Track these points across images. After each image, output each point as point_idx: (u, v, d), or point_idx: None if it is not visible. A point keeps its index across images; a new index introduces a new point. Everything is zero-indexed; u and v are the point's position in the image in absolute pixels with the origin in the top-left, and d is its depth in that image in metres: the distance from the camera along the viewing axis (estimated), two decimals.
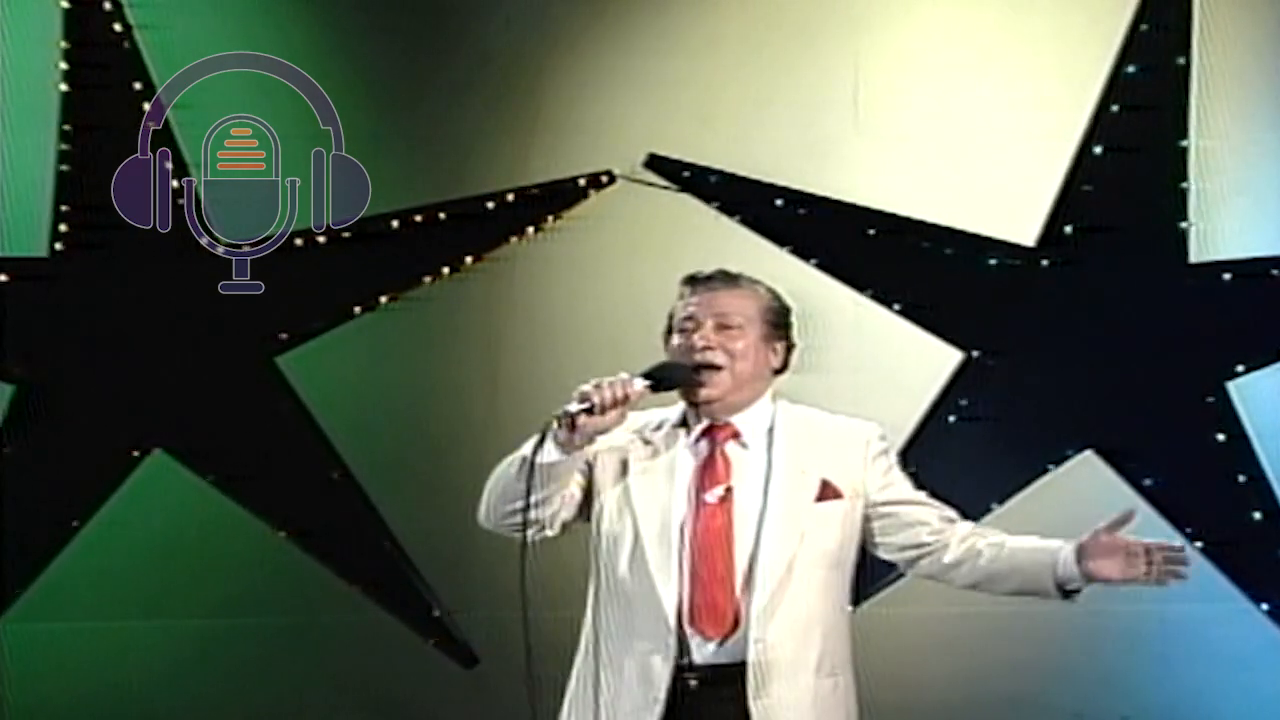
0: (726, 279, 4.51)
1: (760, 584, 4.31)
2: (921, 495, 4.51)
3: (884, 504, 4.45)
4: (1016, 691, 7.23)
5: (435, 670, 7.35)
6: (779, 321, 4.54)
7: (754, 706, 4.27)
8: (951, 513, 4.50)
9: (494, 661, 7.25)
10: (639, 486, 4.40)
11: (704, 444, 4.44)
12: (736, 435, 4.44)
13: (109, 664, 7.29)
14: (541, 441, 4.27)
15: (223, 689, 7.30)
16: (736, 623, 4.31)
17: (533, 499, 4.30)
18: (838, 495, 4.40)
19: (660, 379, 4.38)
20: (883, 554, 4.51)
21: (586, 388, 4.28)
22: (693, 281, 4.51)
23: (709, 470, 4.40)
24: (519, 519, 4.34)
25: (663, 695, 4.28)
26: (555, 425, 4.26)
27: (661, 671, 4.29)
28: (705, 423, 4.45)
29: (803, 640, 4.32)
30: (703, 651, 4.31)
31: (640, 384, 4.33)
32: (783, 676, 4.29)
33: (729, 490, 4.38)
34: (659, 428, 4.46)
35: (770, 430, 4.45)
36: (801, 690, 4.31)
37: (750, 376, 4.45)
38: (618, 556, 4.37)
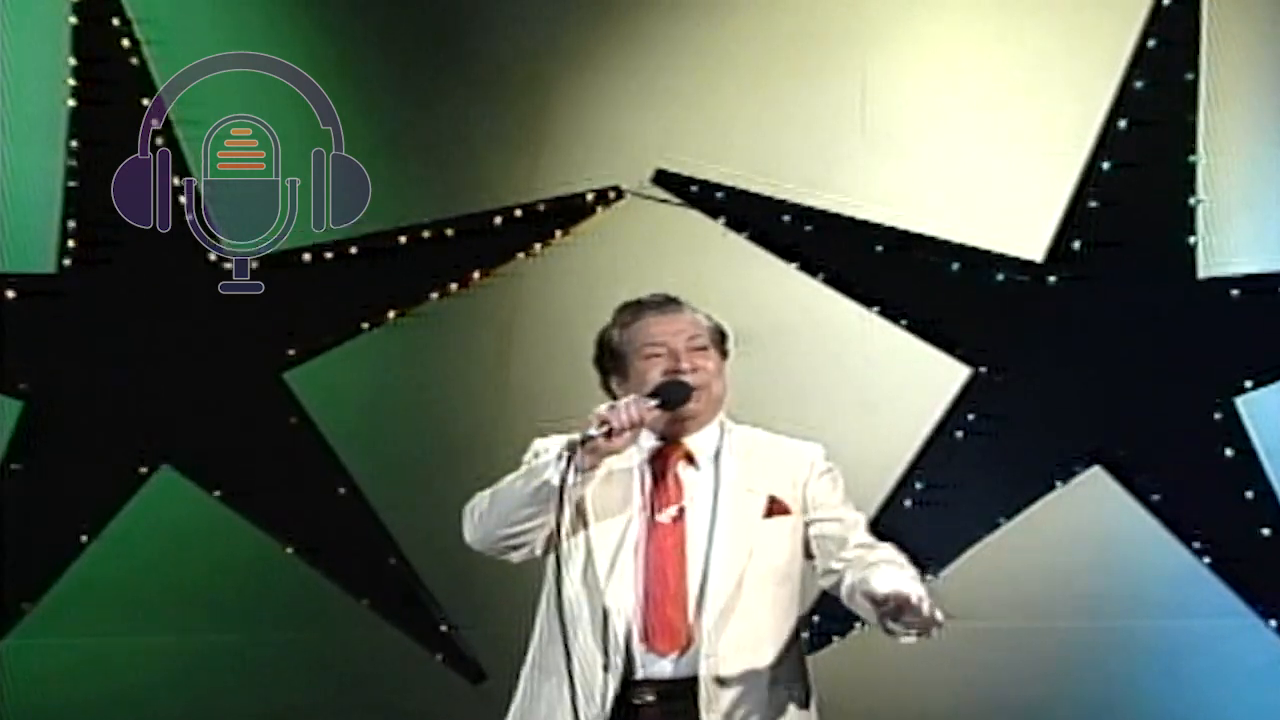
0: (676, 302, 4.58)
1: (711, 600, 4.36)
2: (851, 520, 4.50)
3: (818, 522, 4.48)
4: (1024, 706, 7.23)
5: (442, 685, 7.35)
6: (724, 342, 4.60)
7: None
8: (871, 540, 4.49)
9: (501, 676, 7.20)
10: (593, 505, 4.44)
11: (657, 464, 4.49)
12: (688, 455, 4.49)
13: (115, 679, 7.29)
14: (568, 466, 4.28)
15: (229, 704, 7.31)
16: (690, 639, 4.36)
17: (539, 521, 4.35)
18: (785, 511, 4.46)
19: (666, 399, 4.42)
20: (815, 576, 4.52)
21: (603, 411, 4.32)
22: (642, 307, 4.56)
23: (661, 490, 4.46)
24: (518, 540, 4.40)
25: (606, 712, 4.33)
26: (579, 450, 4.29)
27: (607, 688, 4.34)
28: (657, 443, 4.49)
29: (754, 654, 4.38)
30: (657, 668, 4.37)
31: (651, 404, 4.37)
32: (735, 690, 4.35)
33: (681, 510, 4.43)
34: None
35: (718, 449, 4.51)
36: (756, 703, 4.36)
37: (720, 395, 4.53)
38: (569, 573, 4.39)
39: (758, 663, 4.37)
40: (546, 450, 4.46)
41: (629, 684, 4.34)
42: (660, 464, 4.48)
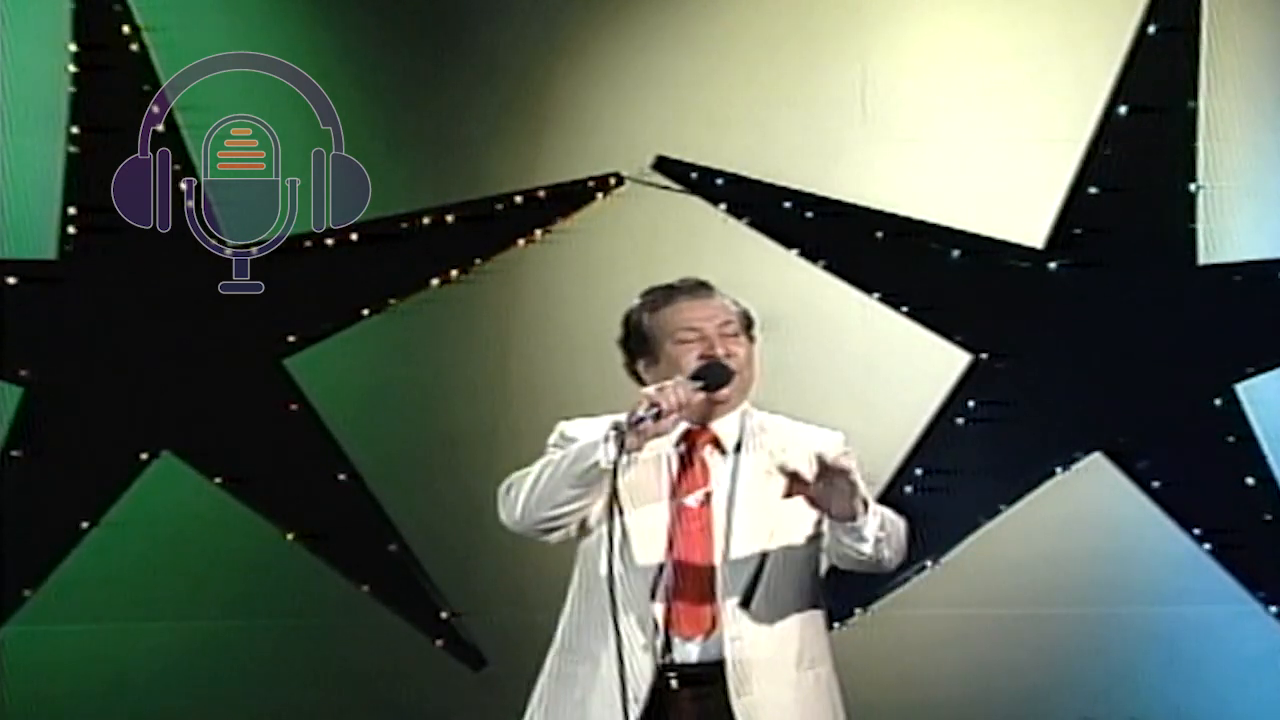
0: (707, 287, 4.56)
1: (734, 583, 4.37)
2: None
3: None
4: (1024, 693, 7.23)
5: (443, 672, 7.34)
6: (751, 327, 4.58)
7: (736, 705, 4.34)
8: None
9: (502, 663, 7.25)
10: (626, 489, 4.41)
11: (683, 448, 4.49)
12: (714, 440, 4.49)
13: (117, 666, 7.28)
14: (620, 449, 4.28)
15: (230, 691, 7.30)
16: (714, 623, 4.36)
17: (584, 503, 4.35)
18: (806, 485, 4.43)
19: (708, 381, 4.41)
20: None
21: (652, 393, 4.30)
22: (674, 291, 4.54)
23: (689, 475, 4.46)
24: (561, 522, 4.38)
25: (644, 694, 4.33)
26: (628, 432, 4.27)
27: (644, 671, 4.34)
28: (684, 427, 4.48)
29: (780, 636, 4.39)
30: (682, 651, 4.37)
31: (695, 386, 4.37)
32: (763, 673, 4.36)
33: (708, 495, 4.44)
34: None
35: (741, 434, 4.49)
36: (783, 685, 4.38)
37: (749, 381, 4.52)
38: (604, 556, 4.38)
39: (785, 644, 4.38)
40: (575, 433, 4.47)
41: (663, 668, 4.35)
42: (687, 448, 4.48)
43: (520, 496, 4.41)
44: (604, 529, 4.37)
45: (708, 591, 4.38)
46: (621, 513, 4.37)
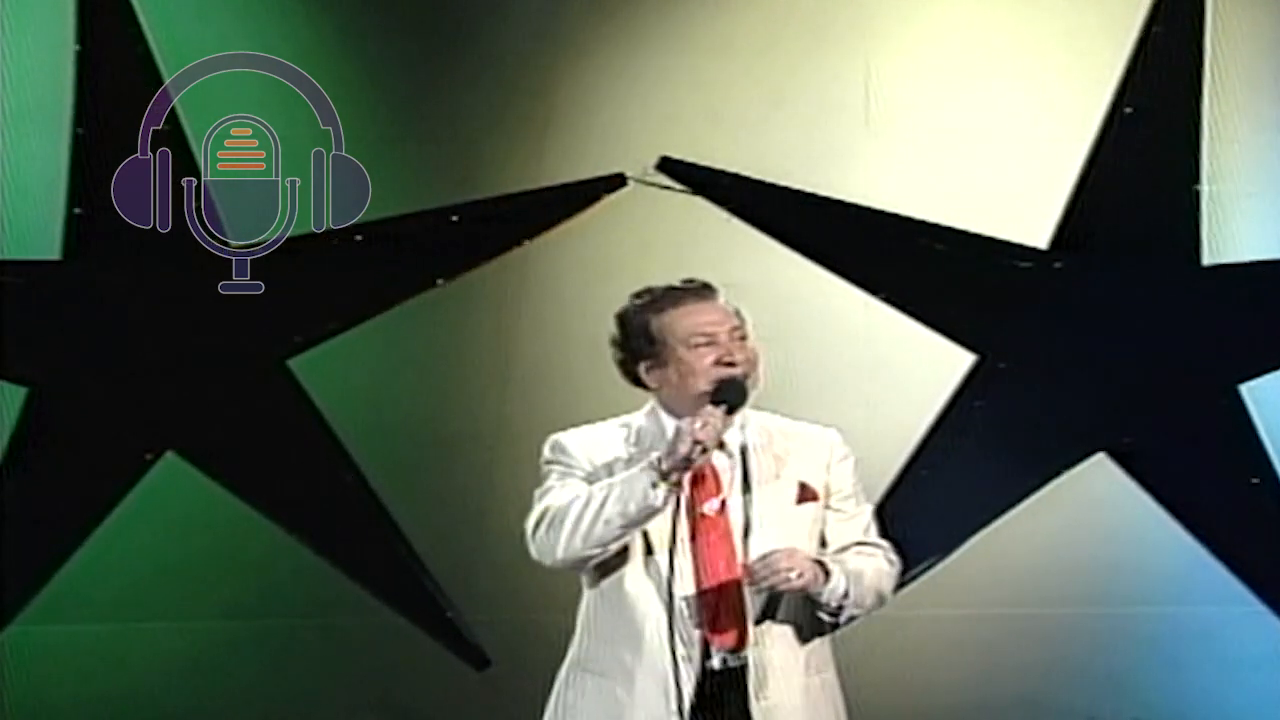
0: (713, 289, 4.51)
1: (751, 589, 4.35)
2: (855, 518, 4.51)
3: (828, 510, 4.49)
4: (1027, 694, 7.23)
5: (447, 672, 7.35)
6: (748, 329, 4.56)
7: (755, 707, 4.34)
8: (863, 540, 4.51)
9: (505, 663, 7.25)
10: None
11: None
12: (721, 445, 4.42)
13: (120, 666, 7.29)
14: (679, 493, 4.27)
15: (234, 691, 7.31)
16: (742, 628, 4.36)
17: (627, 539, 4.33)
18: (814, 497, 4.45)
19: (731, 402, 4.38)
20: None
21: (697, 433, 4.25)
22: (683, 293, 4.49)
23: (702, 483, 4.42)
24: (602, 556, 4.35)
25: (686, 704, 4.32)
26: (676, 475, 4.25)
27: (685, 680, 4.32)
28: None
29: (791, 641, 4.40)
30: (714, 659, 4.36)
31: (721, 411, 4.34)
32: (778, 677, 4.37)
33: (724, 503, 4.41)
34: (639, 439, 4.45)
35: (743, 439, 4.46)
36: (795, 689, 4.38)
37: (756, 384, 4.49)
38: (626, 567, 4.39)
39: (795, 649, 4.39)
40: (573, 447, 4.46)
41: (700, 677, 4.34)
42: None
43: (561, 537, 4.34)
44: (623, 543, 4.37)
45: (735, 598, 4.37)
46: (674, 541, 4.35)
